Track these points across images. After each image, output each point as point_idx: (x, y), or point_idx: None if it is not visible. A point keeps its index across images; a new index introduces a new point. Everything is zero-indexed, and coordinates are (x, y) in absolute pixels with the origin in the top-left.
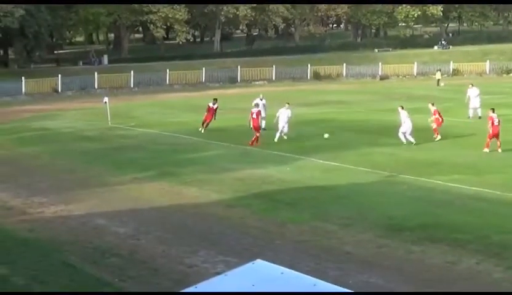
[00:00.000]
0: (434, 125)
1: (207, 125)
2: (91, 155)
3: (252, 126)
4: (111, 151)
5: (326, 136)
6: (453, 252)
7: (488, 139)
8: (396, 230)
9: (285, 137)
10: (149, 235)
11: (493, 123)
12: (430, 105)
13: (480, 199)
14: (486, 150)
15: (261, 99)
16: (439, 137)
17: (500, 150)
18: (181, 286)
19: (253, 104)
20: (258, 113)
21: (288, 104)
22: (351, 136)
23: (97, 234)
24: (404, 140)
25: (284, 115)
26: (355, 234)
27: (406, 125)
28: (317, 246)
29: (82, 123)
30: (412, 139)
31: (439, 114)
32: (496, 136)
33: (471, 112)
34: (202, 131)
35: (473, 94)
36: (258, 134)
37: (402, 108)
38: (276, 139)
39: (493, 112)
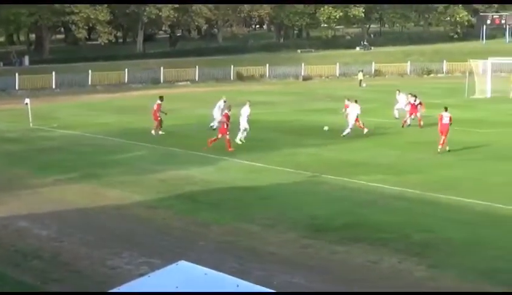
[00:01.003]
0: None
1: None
2: (12, 157)
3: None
4: (33, 153)
5: (326, 128)
6: (376, 251)
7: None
8: (319, 230)
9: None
10: (72, 237)
11: (441, 121)
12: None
13: (402, 198)
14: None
15: (225, 101)
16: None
17: (439, 147)
18: (104, 288)
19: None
20: (226, 115)
21: (249, 101)
22: (274, 137)
23: (19, 237)
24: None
25: (245, 114)
26: (279, 234)
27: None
28: (240, 246)
29: (2, 125)
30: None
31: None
32: (443, 133)
33: (396, 113)
34: (160, 133)
35: (401, 99)
36: (221, 137)
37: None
38: (237, 140)
39: (446, 110)
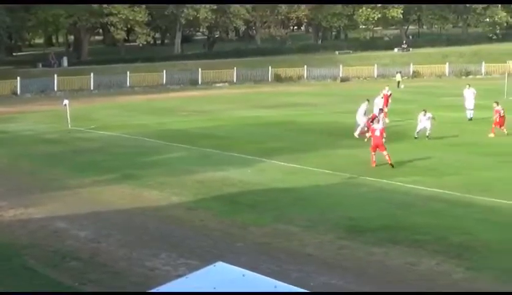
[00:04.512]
0: None
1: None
2: (51, 158)
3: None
4: (71, 154)
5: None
6: (414, 253)
7: (494, 126)
8: (357, 232)
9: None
10: (110, 238)
11: (499, 115)
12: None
13: (440, 200)
14: (491, 135)
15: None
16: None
17: (505, 131)
18: (142, 289)
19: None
20: (382, 130)
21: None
22: (312, 138)
23: (57, 237)
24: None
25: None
26: (316, 236)
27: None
28: (278, 248)
29: (42, 126)
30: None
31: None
32: (501, 124)
33: (469, 113)
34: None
35: (469, 96)
36: (383, 153)
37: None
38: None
39: (498, 105)
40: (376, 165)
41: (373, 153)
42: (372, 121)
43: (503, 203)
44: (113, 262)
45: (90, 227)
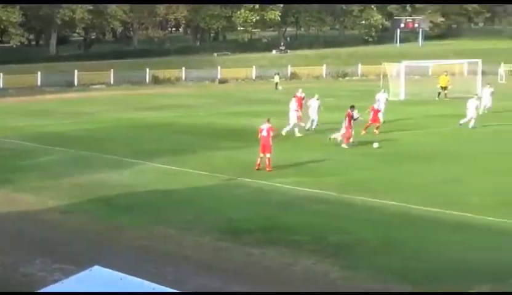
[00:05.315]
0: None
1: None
2: None
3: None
4: None
5: (376, 145)
6: (291, 253)
7: (378, 125)
8: (235, 233)
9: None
10: None
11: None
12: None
13: (318, 200)
14: (376, 131)
15: (317, 99)
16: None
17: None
18: None
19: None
20: (270, 129)
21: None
22: (190, 140)
23: None
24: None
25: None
26: (194, 238)
27: None
28: (156, 250)
29: None
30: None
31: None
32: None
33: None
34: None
35: (382, 99)
36: (266, 156)
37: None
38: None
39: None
40: (258, 169)
41: (261, 155)
42: (353, 120)
43: (380, 202)
44: None
45: None
